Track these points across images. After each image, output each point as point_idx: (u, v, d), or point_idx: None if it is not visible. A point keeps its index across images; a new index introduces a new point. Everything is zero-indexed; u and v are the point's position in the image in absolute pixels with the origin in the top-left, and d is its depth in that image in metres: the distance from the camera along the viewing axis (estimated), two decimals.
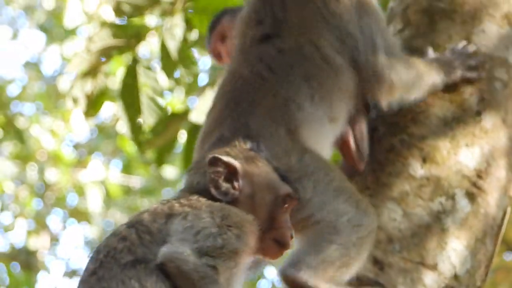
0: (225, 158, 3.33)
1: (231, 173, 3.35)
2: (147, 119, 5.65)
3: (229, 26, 4.86)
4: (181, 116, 5.95)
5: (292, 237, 3.38)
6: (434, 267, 4.19)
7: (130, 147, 12.87)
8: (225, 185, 3.38)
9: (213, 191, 3.36)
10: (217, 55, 5.13)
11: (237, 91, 4.21)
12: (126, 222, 3.35)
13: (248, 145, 3.49)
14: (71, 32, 12.01)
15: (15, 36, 14.66)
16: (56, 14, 13.29)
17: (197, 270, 3.12)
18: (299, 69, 4.35)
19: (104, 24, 5.44)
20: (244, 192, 3.38)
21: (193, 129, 5.75)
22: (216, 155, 3.34)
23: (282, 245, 3.47)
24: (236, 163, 3.33)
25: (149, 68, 5.63)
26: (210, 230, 3.20)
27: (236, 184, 3.37)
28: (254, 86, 4.22)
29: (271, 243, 3.34)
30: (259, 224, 3.32)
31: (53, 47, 13.56)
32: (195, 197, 3.37)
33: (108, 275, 3.19)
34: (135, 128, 5.62)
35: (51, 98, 13.48)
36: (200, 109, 5.62)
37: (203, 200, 3.34)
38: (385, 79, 4.26)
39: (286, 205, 3.36)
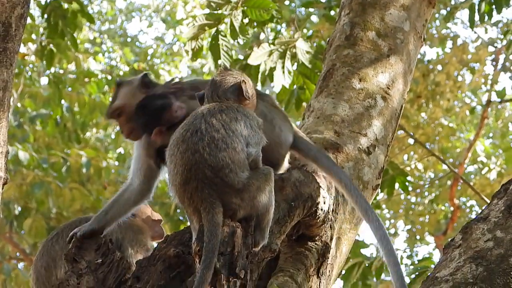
0: None
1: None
2: (224, 63, 7.44)
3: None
4: (241, 61, 7.98)
5: None
6: (365, 135, 5.11)
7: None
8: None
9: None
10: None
11: None
12: (210, 113, 3.79)
13: None
14: (179, 22, 17.08)
15: (150, 25, 21.38)
16: (171, 13, 19.00)
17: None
18: None
19: (195, 17, 7.10)
20: None
21: (244, 67, 7.74)
22: None
23: None
24: None
25: (225, 35, 7.54)
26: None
27: None
28: None
29: None
30: None
31: (170, 30, 18.91)
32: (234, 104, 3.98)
33: (212, 153, 3.62)
34: (218, 68, 6.16)
35: (169, 56, 18.16)
36: (254, 57, 7.46)
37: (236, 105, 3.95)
38: None
39: None
